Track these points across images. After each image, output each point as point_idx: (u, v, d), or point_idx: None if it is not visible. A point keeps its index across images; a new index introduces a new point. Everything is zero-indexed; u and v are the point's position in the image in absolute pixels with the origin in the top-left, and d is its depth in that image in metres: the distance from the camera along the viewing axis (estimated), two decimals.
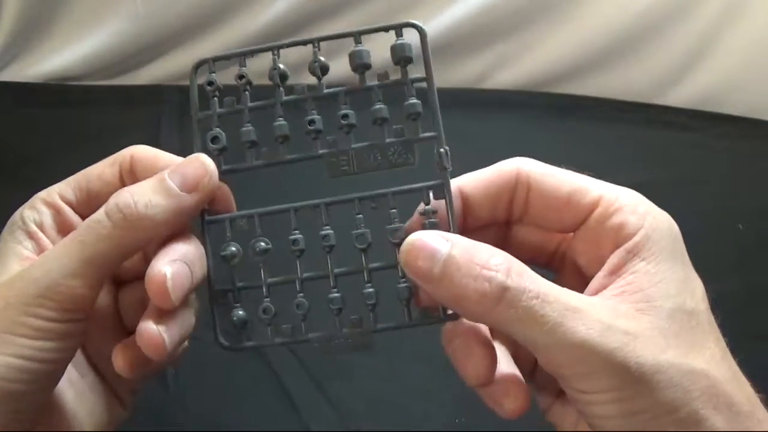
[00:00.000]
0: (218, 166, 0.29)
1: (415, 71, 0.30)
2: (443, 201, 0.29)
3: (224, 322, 0.29)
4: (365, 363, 0.41)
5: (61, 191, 0.31)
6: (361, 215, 0.29)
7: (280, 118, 0.29)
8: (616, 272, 0.27)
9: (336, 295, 0.29)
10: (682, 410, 0.25)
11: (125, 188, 0.28)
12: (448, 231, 0.28)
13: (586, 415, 0.27)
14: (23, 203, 0.31)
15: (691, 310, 0.26)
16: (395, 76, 0.30)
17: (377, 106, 0.29)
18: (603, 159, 0.55)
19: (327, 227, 0.29)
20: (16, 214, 0.30)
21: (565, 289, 0.26)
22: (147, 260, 0.29)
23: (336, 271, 0.29)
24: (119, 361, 0.28)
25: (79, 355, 0.31)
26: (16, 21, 0.58)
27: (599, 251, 0.28)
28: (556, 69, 0.62)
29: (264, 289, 0.29)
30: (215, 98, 0.30)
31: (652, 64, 0.62)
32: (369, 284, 0.29)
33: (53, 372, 0.27)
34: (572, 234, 0.30)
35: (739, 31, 0.61)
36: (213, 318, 0.29)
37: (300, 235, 0.29)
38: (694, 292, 0.27)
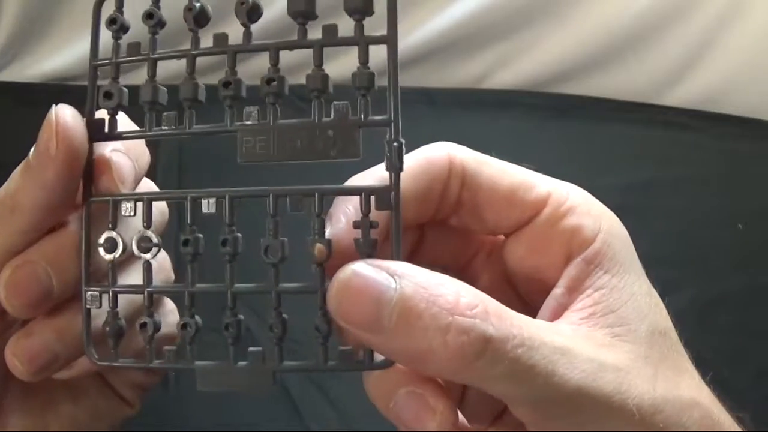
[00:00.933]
0: (111, 128, 0.23)
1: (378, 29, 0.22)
2: (387, 212, 0.21)
3: (97, 331, 0.24)
4: None
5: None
6: (276, 218, 0.22)
7: (191, 76, 0.23)
8: (576, 288, 0.23)
9: (232, 319, 0.22)
10: None
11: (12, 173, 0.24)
12: (390, 256, 0.21)
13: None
14: None
15: (664, 330, 0.23)
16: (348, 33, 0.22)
17: (315, 71, 0.22)
18: (603, 159, 0.55)
19: (231, 227, 0.22)
20: None
21: (540, 323, 0.22)
22: None
23: (236, 287, 0.22)
24: (8, 356, 0.25)
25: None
26: (16, 21, 0.58)
27: (546, 259, 0.24)
28: (556, 69, 0.62)
29: (144, 298, 0.23)
30: (118, 42, 0.24)
31: (652, 64, 0.62)
32: (277, 310, 0.22)
33: None
34: (501, 237, 0.26)
35: (739, 31, 0.61)
36: (84, 325, 0.24)
37: (195, 234, 0.23)
38: (660, 306, 0.24)
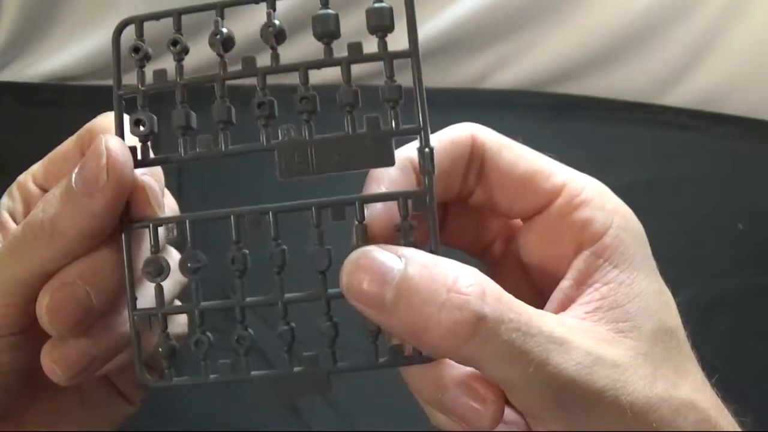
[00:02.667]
0: (143, 156, 0.23)
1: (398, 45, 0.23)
2: (425, 214, 0.22)
3: (147, 353, 0.25)
4: None
5: (33, 172, 0.29)
6: (320, 227, 0.23)
7: (223, 98, 0.23)
8: (584, 281, 0.23)
9: (285, 327, 0.24)
10: None
11: (42, 198, 0.25)
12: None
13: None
14: (6, 190, 0.30)
15: (671, 330, 0.23)
16: (371, 49, 0.23)
17: (345, 87, 0.22)
18: (603, 159, 0.55)
19: (277, 241, 0.23)
20: None
21: (542, 313, 0.22)
22: None
23: (287, 297, 0.23)
24: (46, 363, 0.25)
25: None
26: (16, 21, 0.58)
27: (557, 250, 0.24)
28: (556, 69, 0.62)
29: (196, 316, 0.24)
30: (143, 70, 0.24)
31: (652, 64, 0.62)
32: (327, 314, 0.23)
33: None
34: (520, 222, 0.26)
35: (739, 31, 0.61)
36: (136, 347, 0.24)
37: (242, 250, 0.23)
38: (670, 305, 0.24)
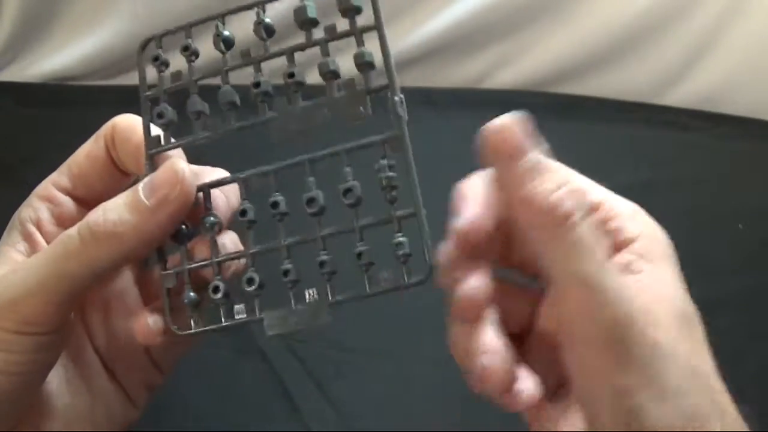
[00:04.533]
0: (166, 141, 0.28)
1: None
2: (402, 154, 0.26)
3: (177, 307, 0.28)
4: (366, 363, 0.41)
5: (54, 180, 0.30)
6: (312, 178, 0.27)
7: (227, 85, 0.28)
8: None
9: (289, 266, 0.27)
10: (686, 400, 0.23)
11: (102, 204, 0.27)
12: (411, 196, 0.26)
13: (578, 390, 0.25)
14: (23, 203, 0.31)
15: (692, 319, 0.25)
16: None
17: (325, 60, 0.27)
18: (603, 159, 0.55)
19: (277, 194, 0.27)
20: (15, 215, 0.29)
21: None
22: None
23: (288, 240, 0.27)
24: (137, 333, 0.28)
25: (92, 357, 0.30)
26: (16, 21, 0.58)
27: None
28: (556, 69, 0.62)
29: (215, 268, 0.27)
30: (162, 74, 0.29)
31: (652, 64, 0.62)
32: (324, 251, 0.27)
33: (28, 383, 0.27)
34: None
35: (739, 31, 0.61)
36: (164, 304, 0.28)
37: (249, 205, 0.27)
38: (685, 295, 0.26)
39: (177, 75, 0.29)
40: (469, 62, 0.62)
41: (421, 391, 0.40)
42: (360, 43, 0.27)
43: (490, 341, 0.26)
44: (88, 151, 0.30)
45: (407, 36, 0.60)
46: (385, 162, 0.26)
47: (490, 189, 0.27)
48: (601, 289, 0.24)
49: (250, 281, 0.27)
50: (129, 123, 0.29)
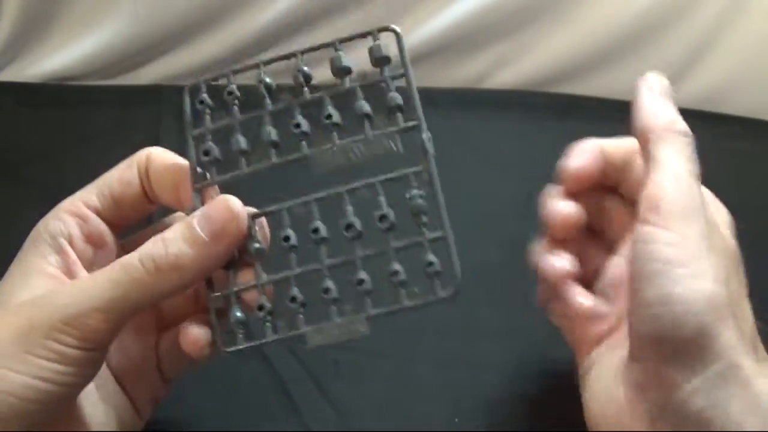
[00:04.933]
0: (212, 176, 0.31)
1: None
2: (428, 189, 0.29)
3: (224, 327, 0.30)
4: (366, 363, 0.41)
5: (84, 199, 0.31)
6: (350, 207, 0.30)
7: (268, 126, 0.31)
8: None
9: (330, 284, 0.30)
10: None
11: (158, 236, 0.28)
12: (438, 221, 0.29)
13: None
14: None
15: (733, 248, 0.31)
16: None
17: (359, 102, 0.30)
18: None
19: (318, 221, 0.30)
20: (40, 227, 0.30)
21: None
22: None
23: (328, 262, 0.30)
24: (185, 343, 0.30)
25: (107, 372, 0.31)
26: (16, 21, 0.58)
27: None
28: (556, 69, 0.62)
29: (260, 288, 0.30)
30: (207, 116, 0.31)
31: (652, 64, 0.62)
32: (362, 271, 0.30)
33: (67, 395, 0.28)
34: None
35: (739, 31, 0.61)
36: (213, 324, 0.30)
37: (291, 232, 0.30)
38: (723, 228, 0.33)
39: (222, 117, 0.32)
40: (469, 62, 0.62)
41: (421, 391, 0.40)
42: (389, 89, 0.30)
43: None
44: (121, 175, 0.32)
45: (407, 36, 0.59)
46: (415, 192, 0.29)
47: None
48: None
49: (294, 299, 0.30)
50: (164, 156, 0.32)
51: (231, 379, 0.40)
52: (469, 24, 0.60)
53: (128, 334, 0.32)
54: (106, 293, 0.27)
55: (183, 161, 0.32)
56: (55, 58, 0.59)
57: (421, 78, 0.63)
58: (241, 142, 0.31)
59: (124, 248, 0.32)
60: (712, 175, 0.56)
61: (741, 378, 0.26)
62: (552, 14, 0.61)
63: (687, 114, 0.61)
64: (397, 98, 0.30)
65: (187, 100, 0.32)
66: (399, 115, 0.30)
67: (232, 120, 0.31)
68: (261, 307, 0.30)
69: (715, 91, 0.62)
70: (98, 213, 0.31)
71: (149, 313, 0.33)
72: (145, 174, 0.32)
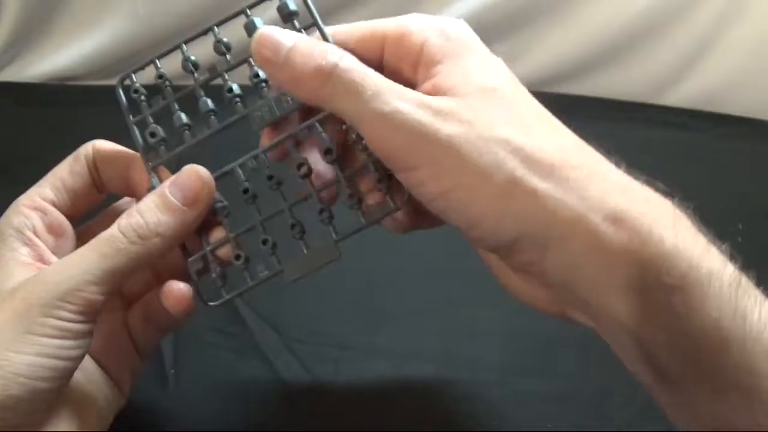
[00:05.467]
0: (161, 155, 0.33)
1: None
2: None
3: (206, 286, 0.32)
4: (366, 363, 0.41)
5: (40, 193, 0.33)
6: (295, 149, 0.32)
7: (203, 98, 0.33)
8: (424, 81, 0.29)
9: (294, 221, 0.32)
10: (497, 175, 0.26)
11: (131, 209, 0.30)
12: None
13: (420, 199, 0.28)
14: (7, 213, 0.32)
15: (494, 87, 0.29)
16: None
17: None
18: None
19: (268, 169, 0.32)
20: (2, 223, 0.32)
21: (389, 80, 0.28)
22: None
23: (288, 203, 0.32)
24: (169, 300, 0.31)
25: None
26: (16, 21, 0.58)
27: (405, 75, 0.30)
28: (556, 69, 0.62)
29: (232, 242, 0.32)
30: (144, 102, 0.33)
31: (652, 64, 0.62)
32: (320, 203, 0.32)
33: (70, 368, 0.29)
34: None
35: (739, 31, 0.61)
36: (195, 285, 0.32)
37: (247, 184, 0.32)
38: (494, 73, 0.30)
39: (157, 100, 0.33)
40: None
41: (421, 391, 0.40)
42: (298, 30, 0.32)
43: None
44: (71, 168, 0.33)
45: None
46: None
47: None
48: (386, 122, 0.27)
49: (265, 242, 0.32)
50: (108, 146, 0.34)
51: (231, 379, 0.40)
52: (469, 24, 0.60)
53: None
54: (95, 266, 0.29)
55: (127, 150, 0.33)
56: (55, 58, 0.59)
57: None
58: (182, 117, 0.33)
59: (80, 237, 0.33)
60: (712, 175, 0.56)
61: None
62: (552, 14, 0.61)
63: (687, 114, 0.61)
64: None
65: (120, 91, 0.34)
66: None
67: (168, 100, 0.33)
68: (238, 257, 0.32)
69: (715, 91, 0.62)
70: (54, 205, 0.33)
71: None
72: (93, 165, 0.33)
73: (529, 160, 0.27)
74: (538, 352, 0.42)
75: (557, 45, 0.61)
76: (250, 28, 0.32)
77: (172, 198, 0.30)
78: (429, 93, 0.28)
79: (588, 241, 0.26)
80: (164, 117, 0.33)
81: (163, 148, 0.33)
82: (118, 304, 0.34)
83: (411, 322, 0.43)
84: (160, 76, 0.33)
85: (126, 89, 0.34)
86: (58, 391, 0.29)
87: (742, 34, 0.61)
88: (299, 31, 0.32)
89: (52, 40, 0.59)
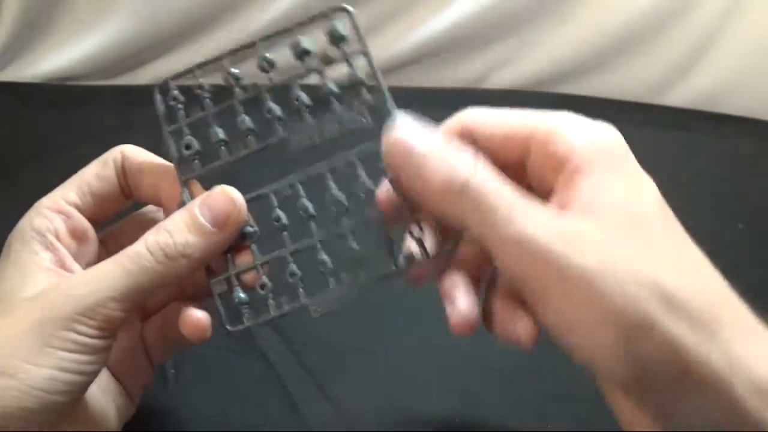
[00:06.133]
0: (195, 169, 0.32)
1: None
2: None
3: (228, 308, 0.31)
4: (366, 363, 0.41)
5: (64, 196, 0.32)
6: (333, 183, 0.31)
7: (243, 115, 0.32)
8: (563, 197, 0.27)
9: (324, 257, 0.31)
10: (633, 316, 0.23)
11: (159, 225, 0.29)
12: None
13: (541, 323, 0.27)
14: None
15: (640, 213, 0.26)
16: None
17: (327, 84, 0.31)
18: None
19: (304, 198, 0.31)
20: (24, 224, 0.31)
21: (525, 194, 0.26)
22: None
23: (319, 237, 0.31)
24: (187, 327, 0.30)
25: None
26: (16, 21, 0.58)
27: (547, 182, 0.28)
28: (556, 69, 0.62)
29: (258, 269, 0.31)
30: (181, 111, 0.32)
31: (652, 64, 0.62)
32: (353, 242, 0.31)
33: (87, 383, 0.29)
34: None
35: (739, 31, 0.61)
36: (216, 307, 0.31)
37: (280, 212, 0.31)
38: (642, 195, 0.27)
39: (196, 111, 0.32)
40: (469, 62, 0.62)
41: (421, 391, 0.40)
42: (350, 64, 0.31)
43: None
44: (98, 172, 0.32)
45: (407, 36, 0.60)
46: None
47: None
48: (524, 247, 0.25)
49: (293, 274, 0.31)
50: (139, 154, 0.33)
51: (231, 379, 0.40)
52: (469, 24, 0.60)
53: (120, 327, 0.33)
54: (119, 282, 0.28)
55: (158, 159, 0.33)
56: (55, 58, 0.59)
57: (422, 78, 0.63)
58: (219, 132, 0.32)
59: (103, 242, 0.33)
60: (712, 175, 0.56)
61: None
62: (552, 14, 0.61)
63: (687, 114, 0.61)
64: (360, 73, 0.31)
65: (158, 97, 0.32)
66: (363, 89, 0.31)
67: (206, 113, 0.32)
68: (263, 286, 0.31)
69: (715, 91, 0.62)
70: (78, 209, 0.32)
71: None
72: (121, 171, 0.32)
73: (670, 302, 0.24)
74: (538, 352, 0.42)
75: (557, 45, 0.61)
76: (297, 48, 0.31)
77: (202, 219, 0.29)
78: (567, 205, 0.26)
79: (728, 409, 0.23)
80: (199, 131, 0.32)
81: (197, 162, 0.32)
82: (137, 315, 0.34)
83: (411, 323, 0.43)
84: (200, 87, 0.32)
85: (164, 94, 0.33)
86: (71, 404, 0.28)
87: (742, 34, 0.61)
88: (347, 57, 0.31)
89: (52, 40, 0.59)
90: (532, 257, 0.25)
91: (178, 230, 0.29)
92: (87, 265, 0.32)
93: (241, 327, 0.31)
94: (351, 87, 0.31)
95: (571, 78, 0.62)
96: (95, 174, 0.32)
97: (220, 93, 0.32)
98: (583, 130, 0.28)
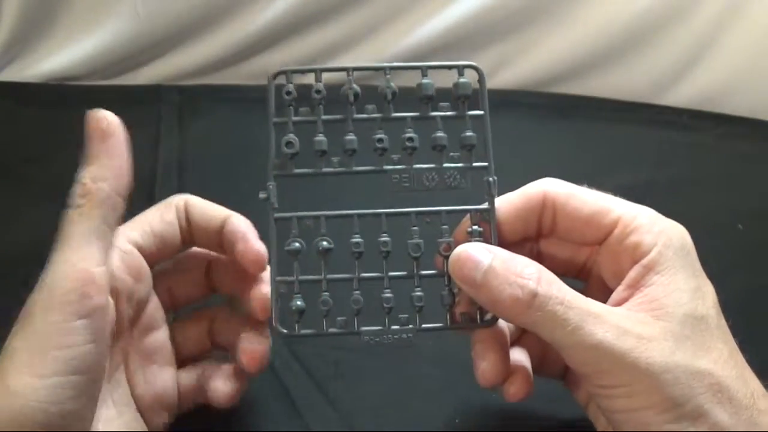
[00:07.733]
0: (290, 168, 0.32)
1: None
2: (488, 224, 0.33)
3: (282, 311, 0.32)
4: (366, 363, 0.41)
5: (129, 237, 0.33)
6: (416, 227, 0.33)
7: (351, 133, 0.33)
8: (634, 286, 0.30)
9: (389, 295, 0.32)
10: (687, 405, 0.27)
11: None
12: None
13: (603, 408, 0.30)
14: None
15: (702, 316, 0.29)
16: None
17: (439, 134, 0.33)
18: (603, 159, 0.55)
19: (385, 234, 0.33)
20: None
21: (588, 299, 0.29)
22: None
23: (390, 274, 0.33)
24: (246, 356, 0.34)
25: (131, 401, 0.33)
26: (16, 21, 0.58)
27: (619, 266, 0.31)
28: (556, 69, 0.62)
29: (323, 284, 0.32)
30: (291, 107, 0.32)
31: (652, 64, 0.62)
32: (418, 288, 0.33)
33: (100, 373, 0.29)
34: (598, 247, 0.33)
35: (739, 31, 0.61)
36: (273, 306, 0.32)
37: (360, 239, 0.32)
38: (705, 298, 0.30)
39: (306, 112, 0.33)
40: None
41: (421, 391, 0.40)
42: (467, 125, 0.33)
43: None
44: (162, 215, 0.34)
45: (407, 36, 0.60)
46: (475, 228, 0.32)
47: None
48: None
49: (356, 302, 0.32)
50: (203, 205, 0.35)
51: None
52: (469, 24, 0.60)
53: (154, 367, 0.34)
54: None
55: (221, 210, 0.34)
56: (55, 58, 0.59)
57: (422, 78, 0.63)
58: (323, 143, 0.32)
59: (156, 279, 0.35)
60: (712, 175, 0.56)
61: None
62: (552, 14, 0.61)
63: (687, 114, 0.61)
64: (473, 138, 0.33)
65: (272, 86, 0.32)
66: (472, 152, 0.33)
67: (317, 118, 0.33)
68: (324, 303, 0.32)
69: (715, 91, 0.62)
70: (139, 248, 0.33)
71: (169, 346, 0.35)
72: (184, 218, 0.34)
73: (720, 394, 0.28)
74: None
75: (557, 45, 0.61)
76: (423, 91, 0.33)
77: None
78: (637, 294, 0.30)
79: None
80: (303, 132, 0.33)
81: (291, 162, 0.32)
82: (173, 360, 0.35)
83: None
84: (318, 92, 0.32)
85: (278, 86, 0.33)
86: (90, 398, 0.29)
87: (742, 34, 0.61)
88: (466, 115, 0.33)
89: (52, 40, 0.59)
90: (605, 358, 0.28)
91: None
92: (138, 303, 0.33)
93: (293, 334, 0.32)
94: (460, 146, 0.33)
95: (571, 78, 0.62)
96: (159, 216, 0.34)
97: (333, 102, 0.33)
98: (663, 227, 0.31)
